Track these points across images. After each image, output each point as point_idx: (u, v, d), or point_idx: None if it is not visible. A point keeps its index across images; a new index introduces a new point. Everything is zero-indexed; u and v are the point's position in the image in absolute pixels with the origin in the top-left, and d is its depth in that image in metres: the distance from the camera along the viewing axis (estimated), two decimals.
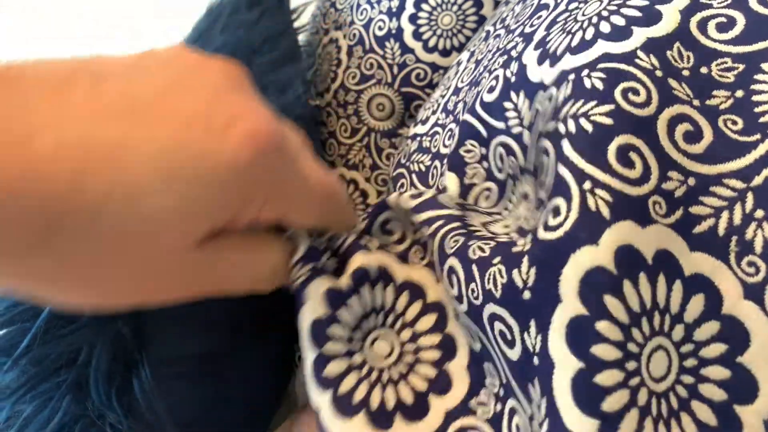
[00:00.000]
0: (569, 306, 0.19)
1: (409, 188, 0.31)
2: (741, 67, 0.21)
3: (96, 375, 0.22)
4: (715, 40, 0.22)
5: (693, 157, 0.20)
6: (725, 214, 0.20)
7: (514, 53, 0.28)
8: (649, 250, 0.20)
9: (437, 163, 0.31)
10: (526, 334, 0.21)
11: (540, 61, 0.26)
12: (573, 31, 0.25)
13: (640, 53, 0.22)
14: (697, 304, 0.19)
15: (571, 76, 0.23)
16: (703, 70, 0.21)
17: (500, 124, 0.27)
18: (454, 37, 0.47)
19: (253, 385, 0.30)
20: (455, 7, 0.47)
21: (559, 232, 0.20)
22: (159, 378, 0.24)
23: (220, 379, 0.27)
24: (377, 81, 0.48)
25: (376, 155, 0.48)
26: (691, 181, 0.20)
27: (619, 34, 0.23)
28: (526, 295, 0.21)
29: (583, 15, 0.25)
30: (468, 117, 0.30)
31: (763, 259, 0.19)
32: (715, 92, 0.21)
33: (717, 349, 0.19)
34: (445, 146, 0.30)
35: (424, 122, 0.37)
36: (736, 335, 0.19)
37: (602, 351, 0.19)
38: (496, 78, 0.28)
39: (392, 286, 0.26)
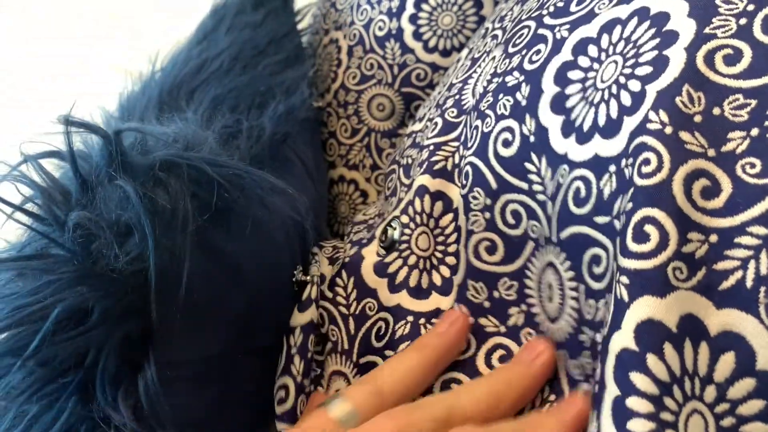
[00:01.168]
0: (610, 390, 0.21)
1: (397, 182, 0.31)
2: (753, 102, 0.21)
3: (102, 377, 0.22)
4: (724, 75, 0.21)
5: (713, 213, 0.20)
6: (752, 264, 0.19)
7: (521, 99, 0.28)
8: (671, 318, 0.20)
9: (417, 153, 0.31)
10: (591, 426, 0.22)
11: (565, 133, 0.25)
12: (596, 102, 0.25)
13: (651, 115, 0.22)
14: (727, 362, 0.19)
15: (612, 168, 0.23)
16: (716, 111, 0.21)
17: (523, 185, 0.27)
18: (455, 37, 0.47)
19: (258, 389, 0.30)
20: (455, 8, 0.47)
21: (606, 329, 0.22)
22: (165, 381, 0.24)
23: (226, 383, 0.27)
24: (377, 81, 0.48)
25: (377, 155, 0.48)
26: (713, 238, 0.20)
27: (637, 102, 0.23)
28: (596, 388, 0.22)
29: (603, 81, 0.25)
30: (479, 163, 0.29)
31: None
32: (730, 134, 0.21)
33: (755, 405, 0.19)
34: (428, 138, 0.30)
35: (420, 120, 0.37)
36: None
37: (634, 425, 0.20)
38: (511, 131, 0.28)
39: None
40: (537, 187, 0.27)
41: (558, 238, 0.25)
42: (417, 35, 0.47)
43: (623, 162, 0.23)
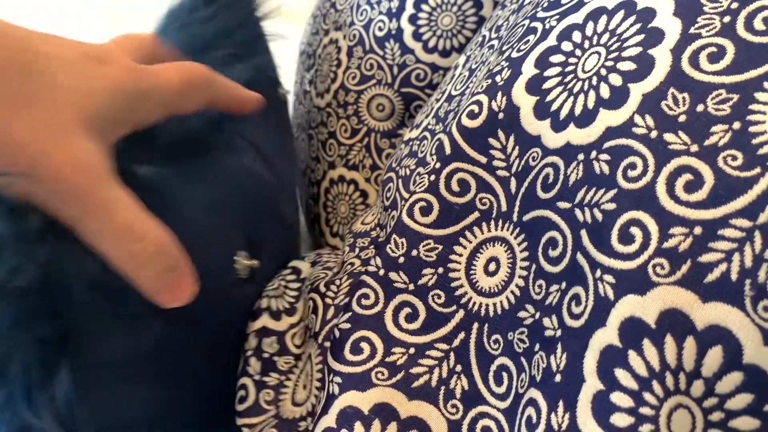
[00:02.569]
0: (591, 384, 0.21)
1: (396, 195, 0.32)
2: (735, 97, 0.21)
3: (21, 383, 0.21)
4: (707, 72, 0.22)
5: (696, 206, 0.20)
6: (737, 257, 0.19)
7: (499, 80, 0.28)
8: (651, 314, 0.20)
9: (420, 169, 0.31)
10: (553, 414, 0.22)
11: (539, 115, 0.26)
12: (575, 92, 0.25)
13: (636, 118, 0.22)
14: (714, 357, 0.19)
15: (581, 156, 0.24)
16: (700, 108, 0.21)
17: (481, 158, 0.28)
18: (454, 37, 0.47)
19: (206, 385, 0.30)
20: (455, 8, 0.47)
21: (581, 321, 0.22)
22: (98, 382, 0.23)
23: (167, 381, 0.27)
24: (377, 81, 0.48)
25: (376, 155, 0.48)
26: (697, 230, 0.20)
27: (618, 98, 0.23)
28: (557, 378, 0.23)
29: (584, 72, 0.25)
30: (443, 137, 0.29)
31: None
32: (713, 128, 0.21)
33: (743, 399, 0.19)
34: (431, 156, 0.31)
35: (417, 127, 0.38)
36: (761, 384, 0.19)
37: (617, 419, 0.20)
38: (479, 104, 0.28)
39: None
40: (498, 163, 0.27)
41: (520, 219, 0.26)
42: (417, 35, 0.47)
43: (593, 153, 0.23)
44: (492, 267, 0.27)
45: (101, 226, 0.22)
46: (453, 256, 0.28)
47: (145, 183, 0.26)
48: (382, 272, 0.29)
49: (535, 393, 0.23)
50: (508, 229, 0.26)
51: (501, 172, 0.27)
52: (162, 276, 0.24)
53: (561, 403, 0.22)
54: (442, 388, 0.27)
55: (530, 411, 0.23)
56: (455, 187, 0.28)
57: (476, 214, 0.27)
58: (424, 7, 0.47)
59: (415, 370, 0.28)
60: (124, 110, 0.24)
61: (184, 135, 0.29)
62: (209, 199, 0.30)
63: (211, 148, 0.31)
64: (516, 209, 0.26)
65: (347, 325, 0.29)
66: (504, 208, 0.27)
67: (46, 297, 0.22)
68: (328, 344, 0.29)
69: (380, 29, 0.48)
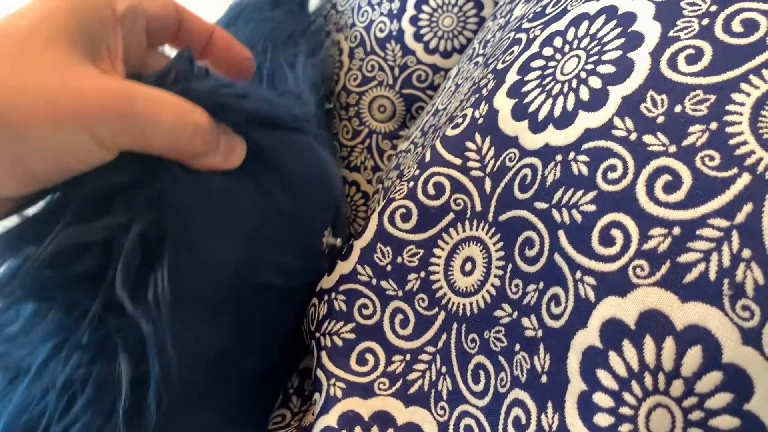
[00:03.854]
0: (576, 384, 0.21)
1: (378, 204, 0.32)
2: (713, 98, 0.21)
3: (121, 268, 0.22)
4: (685, 74, 0.22)
5: (675, 206, 0.20)
6: (714, 257, 0.19)
7: (485, 92, 0.29)
8: (631, 316, 0.20)
9: (398, 181, 0.32)
10: (543, 415, 0.22)
11: (517, 117, 0.26)
12: (554, 94, 0.25)
13: (616, 121, 0.22)
14: (694, 357, 0.19)
15: (559, 157, 0.24)
16: (678, 109, 0.21)
17: (456, 160, 0.28)
18: (455, 38, 0.47)
19: (270, 331, 0.31)
20: (456, 9, 0.47)
21: (562, 321, 0.22)
22: (183, 304, 0.24)
23: (239, 318, 0.28)
24: (378, 83, 0.48)
25: (378, 157, 0.48)
26: (676, 230, 0.20)
27: (597, 100, 0.23)
28: (544, 379, 0.23)
29: (563, 74, 0.25)
30: (426, 150, 0.30)
31: (756, 302, 0.18)
32: (690, 129, 0.21)
33: (723, 399, 0.19)
34: (411, 167, 0.31)
35: (407, 138, 0.38)
36: (739, 383, 0.19)
37: (599, 419, 0.20)
38: (464, 116, 0.29)
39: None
40: (473, 164, 0.27)
41: (495, 219, 0.26)
42: (418, 37, 0.47)
43: (571, 154, 0.23)
44: (468, 267, 0.27)
45: (155, 122, 0.23)
46: (433, 259, 0.28)
47: (260, 145, 0.27)
48: (374, 281, 0.29)
49: (521, 394, 0.24)
50: (483, 229, 0.26)
51: (475, 173, 0.27)
52: (224, 138, 0.26)
53: (550, 404, 0.22)
54: (433, 391, 0.27)
55: (518, 412, 0.23)
56: (431, 190, 0.28)
57: (451, 216, 0.28)
58: (425, 8, 0.47)
59: (410, 376, 0.28)
60: (89, 19, 0.24)
61: (275, 121, 0.30)
62: (312, 173, 0.31)
63: (299, 135, 0.33)
64: (491, 209, 0.26)
65: (351, 336, 0.29)
66: (478, 208, 0.27)
67: (153, 205, 0.23)
68: (326, 346, 0.30)
69: (381, 30, 0.48)
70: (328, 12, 0.52)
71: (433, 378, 0.27)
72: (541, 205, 0.24)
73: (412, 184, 0.29)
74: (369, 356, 0.29)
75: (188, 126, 0.24)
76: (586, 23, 0.26)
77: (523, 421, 0.23)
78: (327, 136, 0.43)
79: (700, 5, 0.23)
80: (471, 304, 0.26)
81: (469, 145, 0.27)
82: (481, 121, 0.27)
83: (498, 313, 0.25)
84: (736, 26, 0.21)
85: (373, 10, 0.48)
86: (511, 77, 0.27)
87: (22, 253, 0.22)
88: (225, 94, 0.26)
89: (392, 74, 0.48)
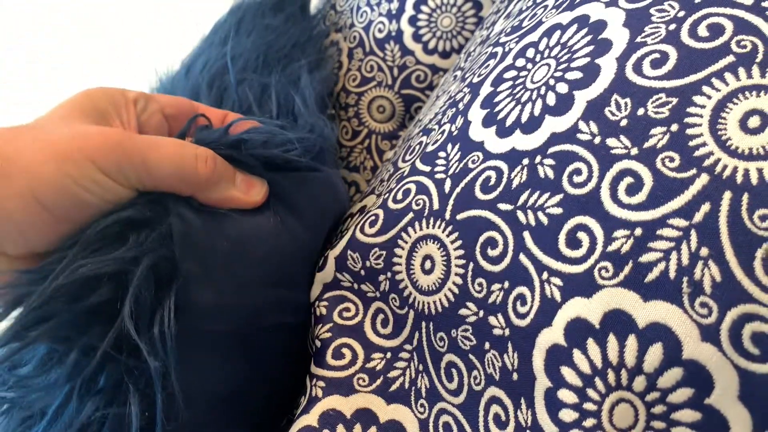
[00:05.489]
0: (542, 381, 0.22)
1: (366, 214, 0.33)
2: (674, 100, 0.21)
3: (131, 301, 0.23)
4: (649, 78, 0.22)
5: (637, 207, 0.21)
6: (674, 256, 0.20)
7: (461, 106, 0.30)
8: (595, 315, 0.21)
9: (377, 192, 0.33)
10: (519, 411, 0.23)
11: (486, 124, 0.27)
12: (523, 101, 0.26)
13: (581, 125, 0.23)
14: (655, 353, 0.20)
15: (525, 161, 0.24)
16: (640, 111, 0.22)
17: (425, 168, 0.29)
18: (454, 38, 0.47)
19: (281, 371, 0.31)
20: (455, 9, 0.46)
21: (527, 320, 0.23)
22: (191, 341, 0.25)
23: (250, 359, 0.28)
24: (377, 83, 0.48)
25: (377, 157, 0.48)
26: (638, 231, 0.20)
27: (563, 105, 0.24)
28: (515, 376, 0.23)
29: (533, 82, 0.26)
30: (405, 167, 0.31)
31: (713, 299, 0.19)
32: (652, 131, 0.21)
33: (684, 393, 0.19)
34: (387, 181, 0.32)
35: (391, 148, 0.39)
36: (699, 378, 0.19)
37: (564, 414, 0.21)
38: (443, 132, 0.30)
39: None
40: (439, 168, 0.28)
41: (453, 218, 0.26)
42: (417, 37, 0.47)
43: (537, 158, 0.24)
44: (428, 265, 0.27)
45: (162, 162, 0.25)
46: (395, 259, 0.28)
47: (279, 185, 0.29)
48: (356, 286, 0.30)
49: (497, 392, 0.24)
50: (439, 227, 0.27)
51: (438, 175, 0.28)
52: (241, 175, 0.28)
53: (523, 401, 0.23)
54: (413, 389, 0.28)
55: (497, 409, 0.24)
56: (399, 196, 0.29)
57: (410, 215, 0.28)
58: (424, 8, 0.47)
59: (391, 374, 0.28)
60: (101, 101, 0.28)
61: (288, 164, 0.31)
62: (329, 207, 0.32)
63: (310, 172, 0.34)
64: (449, 207, 0.27)
65: (328, 335, 0.30)
66: (436, 206, 0.27)
67: (165, 242, 0.24)
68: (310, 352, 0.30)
69: (380, 31, 0.48)
70: (327, 12, 0.52)
71: (413, 376, 0.28)
72: (505, 207, 0.24)
73: (387, 195, 0.30)
74: (346, 350, 0.29)
75: (189, 153, 0.26)
76: (558, 33, 0.26)
77: (503, 418, 0.24)
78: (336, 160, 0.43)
79: (668, 11, 0.23)
80: (434, 302, 0.27)
81: (441, 154, 0.28)
82: (456, 133, 0.28)
83: (463, 311, 0.25)
84: (702, 31, 0.22)
85: (372, 10, 0.49)
86: (485, 90, 0.28)
87: (36, 288, 0.22)
88: (237, 141, 0.28)
89: (391, 75, 0.48)
